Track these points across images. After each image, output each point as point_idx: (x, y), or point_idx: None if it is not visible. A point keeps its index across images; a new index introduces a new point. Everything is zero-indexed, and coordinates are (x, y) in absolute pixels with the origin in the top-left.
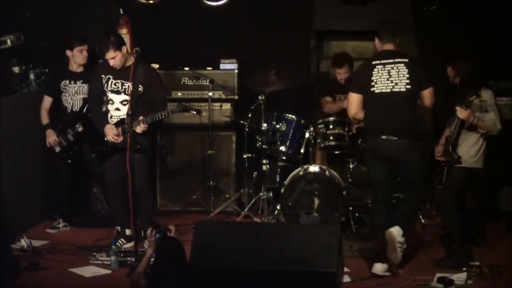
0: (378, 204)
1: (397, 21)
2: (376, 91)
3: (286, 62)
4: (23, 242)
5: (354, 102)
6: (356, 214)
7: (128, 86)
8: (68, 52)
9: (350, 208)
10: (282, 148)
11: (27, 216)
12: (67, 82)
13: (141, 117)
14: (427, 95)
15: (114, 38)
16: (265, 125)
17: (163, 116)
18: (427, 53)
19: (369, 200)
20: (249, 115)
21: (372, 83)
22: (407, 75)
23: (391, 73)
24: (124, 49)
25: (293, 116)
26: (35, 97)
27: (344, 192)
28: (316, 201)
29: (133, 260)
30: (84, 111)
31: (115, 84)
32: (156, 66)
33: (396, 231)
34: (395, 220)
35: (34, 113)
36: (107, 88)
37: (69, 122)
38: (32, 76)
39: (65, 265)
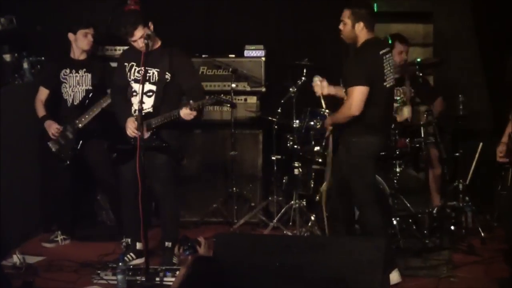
0: (376, 204)
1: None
2: (388, 85)
3: (321, 49)
4: (16, 258)
5: (364, 98)
6: (404, 226)
7: (153, 73)
8: (71, 36)
9: (398, 218)
10: (317, 149)
11: (21, 227)
12: (68, 71)
13: (191, 101)
14: None
15: (138, 12)
16: (297, 122)
17: (207, 104)
18: (487, 42)
19: (420, 210)
20: (279, 111)
21: (385, 77)
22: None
23: (390, 65)
24: (151, 25)
25: (330, 112)
26: (29, 89)
27: (389, 200)
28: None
29: (144, 279)
30: (86, 103)
31: (138, 71)
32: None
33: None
34: None
35: (29, 108)
36: (130, 78)
37: (68, 117)
38: (26, 65)
39: (65, 285)
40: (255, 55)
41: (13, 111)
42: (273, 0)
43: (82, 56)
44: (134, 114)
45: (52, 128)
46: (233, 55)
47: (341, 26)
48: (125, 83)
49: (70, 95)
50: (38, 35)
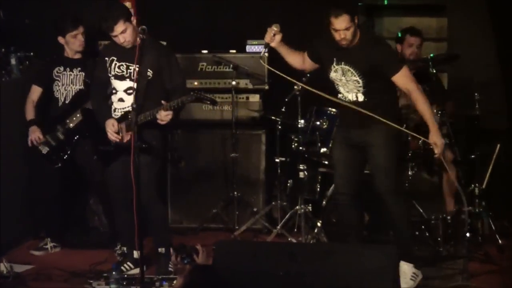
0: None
1: None
2: None
3: None
4: (3, 267)
5: None
6: (417, 233)
7: (134, 69)
8: (61, 39)
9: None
10: (324, 150)
11: (8, 234)
12: (61, 69)
13: (164, 102)
14: None
15: (122, 7)
16: (302, 121)
17: (186, 103)
18: (505, 37)
19: (433, 216)
20: (282, 110)
21: None
22: None
23: None
24: (134, 20)
25: (337, 111)
26: (17, 86)
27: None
28: (366, 216)
29: None
30: (77, 103)
31: (118, 67)
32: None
33: None
34: None
35: (16, 107)
36: (110, 73)
37: (59, 117)
38: (13, 61)
39: None
40: (257, 50)
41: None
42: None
43: (77, 56)
44: (114, 114)
45: (34, 135)
46: (234, 51)
47: (344, 35)
48: (106, 79)
49: (62, 93)
50: (27, 28)
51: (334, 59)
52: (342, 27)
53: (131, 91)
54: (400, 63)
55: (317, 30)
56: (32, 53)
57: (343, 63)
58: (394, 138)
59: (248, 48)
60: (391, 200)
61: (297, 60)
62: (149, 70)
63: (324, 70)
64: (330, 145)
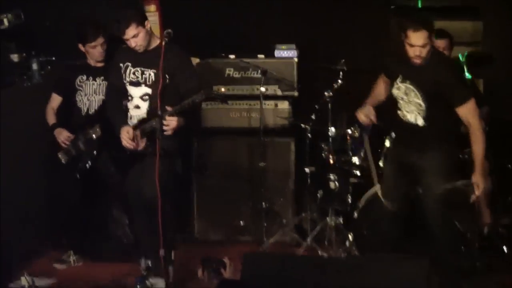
0: None
1: None
2: None
3: (359, 48)
4: (24, 281)
5: None
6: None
7: (150, 74)
8: (81, 47)
9: None
10: (355, 160)
11: (28, 245)
12: (84, 78)
13: (168, 107)
14: None
15: (135, 10)
16: (333, 129)
17: (191, 104)
18: None
19: (468, 228)
20: (313, 117)
21: None
22: None
23: None
24: (148, 24)
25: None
26: (38, 92)
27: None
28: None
29: None
30: (102, 113)
31: (133, 73)
32: (196, 60)
33: None
34: None
35: (37, 112)
36: (125, 79)
37: (81, 127)
38: (35, 66)
39: None
40: (286, 55)
41: (19, 114)
42: (306, 2)
43: (99, 64)
44: (130, 122)
45: (63, 135)
46: (263, 56)
47: (420, 52)
48: (121, 86)
49: (85, 103)
50: (48, 32)
51: (400, 75)
52: (419, 43)
53: (146, 97)
54: (469, 94)
55: (350, 33)
56: (54, 58)
57: (408, 82)
58: (450, 167)
59: (277, 53)
60: (437, 224)
61: (383, 93)
62: (166, 75)
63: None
64: (362, 153)
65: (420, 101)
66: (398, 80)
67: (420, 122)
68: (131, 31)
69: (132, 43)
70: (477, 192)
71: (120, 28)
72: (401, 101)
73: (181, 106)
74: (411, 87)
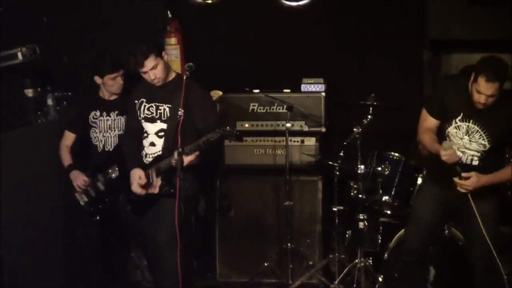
0: None
1: None
2: None
3: (390, 83)
4: None
5: None
6: None
7: (165, 109)
8: (98, 79)
9: None
10: (386, 199)
11: None
12: (98, 113)
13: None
14: None
15: (152, 42)
16: (362, 167)
17: (206, 143)
18: None
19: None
20: (341, 154)
21: None
22: None
23: None
24: (165, 56)
25: (400, 156)
26: (54, 129)
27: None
28: (432, 271)
29: None
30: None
31: (148, 109)
32: (219, 93)
33: None
34: None
35: (52, 151)
36: (140, 116)
37: (100, 166)
38: (50, 102)
39: None
40: (314, 89)
41: (34, 153)
42: (336, 28)
43: (113, 97)
44: (146, 160)
45: (79, 179)
46: (289, 90)
47: (486, 101)
48: (137, 124)
49: (101, 140)
50: (65, 67)
51: (462, 113)
52: (488, 93)
53: (162, 133)
54: None
55: (380, 68)
56: (69, 93)
57: (471, 121)
58: (499, 208)
59: (304, 87)
60: (485, 274)
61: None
62: (180, 109)
63: (442, 121)
64: (393, 192)
65: (486, 142)
66: (459, 118)
67: (476, 162)
68: (150, 62)
69: (151, 75)
70: (468, 182)
71: (138, 61)
72: (455, 140)
73: (195, 145)
74: (475, 127)
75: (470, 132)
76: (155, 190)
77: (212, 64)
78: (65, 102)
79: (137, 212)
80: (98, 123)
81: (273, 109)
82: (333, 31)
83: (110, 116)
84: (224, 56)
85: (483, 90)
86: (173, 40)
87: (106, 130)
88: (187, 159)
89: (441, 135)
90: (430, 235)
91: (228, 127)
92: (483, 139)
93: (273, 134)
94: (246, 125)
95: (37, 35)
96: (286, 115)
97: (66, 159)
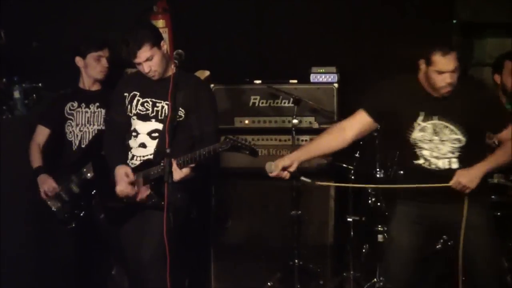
0: None
1: None
2: None
3: (413, 72)
4: None
5: None
6: None
7: (163, 107)
8: (79, 61)
9: None
10: None
11: None
12: (75, 105)
13: (173, 160)
14: None
15: (149, 29)
16: (381, 171)
17: (206, 156)
18: None
19: None
20: (356, 155)
21: None
22: None
23: None
24: (164, 46)
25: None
26: (21, 126)
27: (509, 279)
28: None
29: None
30: (96, 147)
31: (142, 104)
32: (206, 73)
33: None
34: None
35: (20, 151)
36: (130, 112)
37: (74, 165)
38: (17, 94)
39: None
40: (325, 80)
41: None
42: (350, 10)
43: (95, 87)
44: (131, 163)
45: (46, 185)
46: (295, 81)
47: (451, 79)
48: (125, 120)
49: (77, 135)
50: (34, 54)
51: (422, 113)
52: (450, 68)
53: (156, 134)
54: (510, 115)
55: (398, 56)
56: (40, 84)
57: (437, 117)
58: (491, 214)
59: (313, 78)
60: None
61: (334, 142)
62: (181, 109)
63: (399, 130)
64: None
65: (459, 136)
66: (420, 120)
67: (455, 165)
68: (144, 53)
69: (146, 67)
70: (461, 179)
71: (131, 49)
72: (425, 145)
73: (194, 157)
74: (442, 122)
75: (438, 130)
76: (142, 199)
77: (206, 50)
78: (34, 95)
79: (113, 223)
80: (75, 115)
81: (277, 103)
82: (347, 12)
83: (89, 108)
84: (220, 41)
85: (444, 67)
86: (160, 23)
87: (84, 123)
88: (182, 173)
89: (405, 147)
90: (414, 262)
91: (239, 138)
92: (455, 133)
93: (278, 132)
94: (246, 122)
95: (2, 17)
96: (293, 109)
97: (36, 160)
